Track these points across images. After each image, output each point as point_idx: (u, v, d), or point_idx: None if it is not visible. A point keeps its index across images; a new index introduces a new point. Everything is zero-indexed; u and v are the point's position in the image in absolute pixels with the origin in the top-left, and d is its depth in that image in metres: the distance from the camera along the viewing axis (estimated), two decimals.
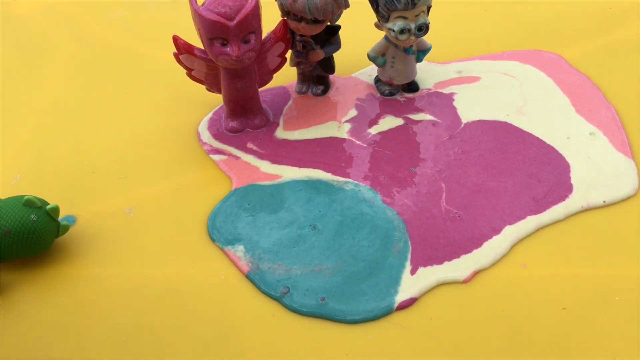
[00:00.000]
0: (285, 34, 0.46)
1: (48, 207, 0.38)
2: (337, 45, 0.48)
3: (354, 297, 0.36)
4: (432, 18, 0.45)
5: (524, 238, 0.39)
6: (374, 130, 0.48)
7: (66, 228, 0.39)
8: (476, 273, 0.37)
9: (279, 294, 0.37)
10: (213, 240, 0.40)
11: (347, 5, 0.46)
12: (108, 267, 0.39)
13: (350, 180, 0.44)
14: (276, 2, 0.45)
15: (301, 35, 0.46)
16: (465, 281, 0.37)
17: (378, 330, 0.35)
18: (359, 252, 0.39)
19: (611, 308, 0.35)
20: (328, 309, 0.36)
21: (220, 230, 0.41)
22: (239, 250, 0.39)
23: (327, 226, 0.40)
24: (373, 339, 0.34)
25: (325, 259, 0.38)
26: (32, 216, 0.37)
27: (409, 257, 0.38)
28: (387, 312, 0.35)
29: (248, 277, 0.38)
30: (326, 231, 0.40)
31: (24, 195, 0.38)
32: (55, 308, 0.37)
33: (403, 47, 0.47)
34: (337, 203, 0.42)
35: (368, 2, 0.45)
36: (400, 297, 0.36)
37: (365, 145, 0.46)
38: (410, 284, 0.37)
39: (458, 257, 0.38)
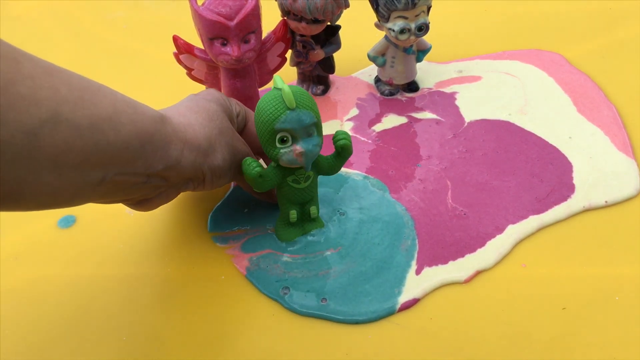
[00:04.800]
0: (285, 34, 0.46)
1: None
2: (337, 45, 0.48)
3: (356, 298, 0.36)
4: (432, 18, 0.45)
5: (526, 238, 0.39)
6: (377, 128, 0.48)
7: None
8: (478, 273, 0.37)
9: (279, 294, 0.36)
10: (213, 240, 0.40)
11: (347, 5, 0.46)
12: (108, 267, 0.39)
13: (358, 172, 0.44)
14: (276, 2, 0.45)
15: (301, 35, 0.46)
16: (466, 281, 0.37)
17: (378, 330, 0.35)
18: (369, 251, 0.38)
19: (611, 308, 0.35)
20: (329, 309, 0.35)
21: (220, 230, 0.41)
22: (239, 250, 0.39)
23: (348, 215, 0.40)
24: (373, 339, 0.34)
25: (333, 263, 0.38)
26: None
27: (416, 256, 0.38)
28: (389, 314, 0.35)
29: (248, 277, 0.38)
30: (333, 230, 0.40)
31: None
32: (55, 308, 0.37)
33: (403, 47, 0.47)
34: (350, 191, 0.42)
35: (368, 2, 0.45)
36: (404, 297, 0.36)
37: (369, 141, 0.46)
38: (414, 284, 0.36)
39: (462, 256, 0.38)
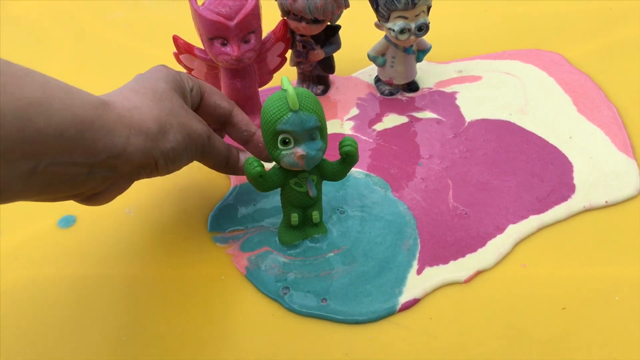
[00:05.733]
0: (285, 34, 0.46)
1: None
2: (337, 45, 0.48)
3: (357, 298, 0.36)
4: (432, 18, 0.45)
5: (526, 238, 0.39)
6: (377, 127, 0.48)
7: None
8: (478, 273, 0.37)
9: (279, 294, 0.36)
10: (213, 240, 0.40)
11: (347, 5, 0.46)
12: (108, 267, 0.39)
13: (360, 170, 0.44)
14: (276, 2, 0.45)
15: (301, 35, 0.46)
16: (467, 281, 0.37)
17: (378, 330, 0.35)
18: (372, 250, 0.38)
19: (611, 308, 0.35)
20: (329, 310, 0.35)
21: (220, 230, 0.41)
22: (238, 250, 0.39)
23: (349, 214, 0.40)
24: (373, 339, 0.34)
25: (335, 264, 0.38)
26: None
27: (417, 255, 0.38)
28: (390, 314, 0.35)
29: (248, 277, 0.38)
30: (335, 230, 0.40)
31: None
32: (55, 308, 0.37)
33: (403, 47, 0.47)
34: (352, 189, 0.42)
35: (368, 2, 0.45)
36: (404, 297, 0.36)
37: (370, 140, 0.46)
38: (415, 284, 0.36)
39: (463, 256, 0.38)
